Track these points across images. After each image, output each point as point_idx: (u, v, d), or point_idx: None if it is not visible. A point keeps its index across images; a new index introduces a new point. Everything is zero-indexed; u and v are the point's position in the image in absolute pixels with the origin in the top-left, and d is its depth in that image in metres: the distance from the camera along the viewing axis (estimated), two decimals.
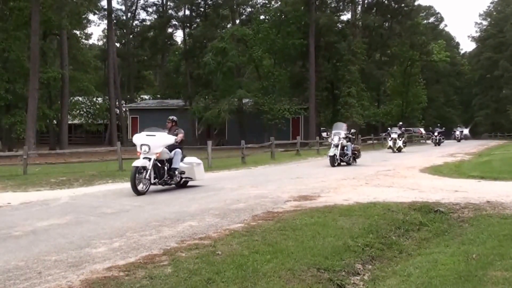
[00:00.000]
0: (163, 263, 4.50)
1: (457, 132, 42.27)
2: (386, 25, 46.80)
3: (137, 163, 9.39)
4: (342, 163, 16.33)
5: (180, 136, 10.18)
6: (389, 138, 26.12)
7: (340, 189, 9.80)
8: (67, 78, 32.93)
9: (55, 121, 34.58)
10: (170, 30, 49.98)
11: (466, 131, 49.08)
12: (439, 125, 31.60)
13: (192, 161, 10.73)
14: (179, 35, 61.67)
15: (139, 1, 52.70)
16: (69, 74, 33.75)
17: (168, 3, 49.60)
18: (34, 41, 26.17)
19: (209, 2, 43.21)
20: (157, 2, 51.62)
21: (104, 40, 55.43)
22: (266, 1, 43.45)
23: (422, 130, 48.35)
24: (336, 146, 16.13)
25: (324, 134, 19.58)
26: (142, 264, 4.47)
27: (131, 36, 53.22)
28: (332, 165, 15.75)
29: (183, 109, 39.34)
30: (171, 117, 11.03)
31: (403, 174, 13.21)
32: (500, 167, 14.64)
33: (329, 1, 43.98)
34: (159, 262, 4.53)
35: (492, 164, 16.26)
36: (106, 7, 42.50)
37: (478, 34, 72.93)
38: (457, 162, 17.65)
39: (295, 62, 42.86)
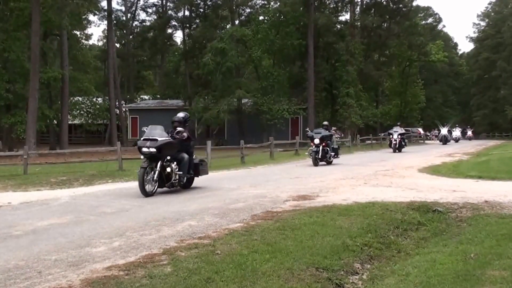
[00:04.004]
0: (163, 262, 4.52)
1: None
2: (385, 25, 46.77)
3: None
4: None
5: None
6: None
7: (338, 189, 9.82)
8: (67, 78, 32.89)
9: (55, 121, 34.53)
10: (169, 30, 50.05)
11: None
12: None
13: None
14: (178, 36, 61.71)
15: (139, 2, 52.79)
16: (69, 74, 33.70)
17: (168, 4, 49.67)
18: (34, 41, 26.12)
19: (209, 3, 43.24)
20: (156, 3, 51.72)
21: (104, 40, 55.43)
22: (265, 2, 43.46)
23: (420, 130, 48.33)
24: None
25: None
26: (141, 263, 4.49)
27: (131, 37, 53.23)
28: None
29: (182, 109, 39.23)
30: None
31: (402, 174, 13.24)
32: (498, 167, 14.68)
33: (327, 2, 44.00)
34: (159, 261, 4.55)
35: (490, 164, 16.29)
36: (106, 7, 42.45)
37: (476, 34, 72.97)
38: (455, 162, 17.66)
39: (294, 63, 42.90)
